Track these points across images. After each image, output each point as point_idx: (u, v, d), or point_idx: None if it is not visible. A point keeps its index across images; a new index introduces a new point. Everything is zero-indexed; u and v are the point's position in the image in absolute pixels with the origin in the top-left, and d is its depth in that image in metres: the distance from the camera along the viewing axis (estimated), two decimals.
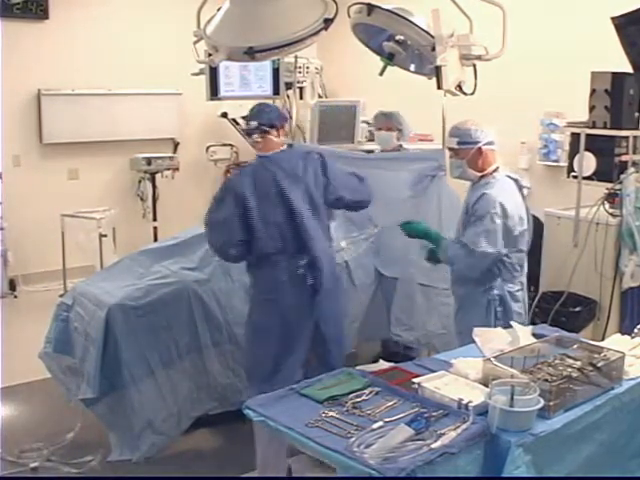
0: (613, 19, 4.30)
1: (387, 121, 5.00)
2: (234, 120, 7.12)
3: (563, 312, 4.19)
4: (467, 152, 3.39)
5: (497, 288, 3.38)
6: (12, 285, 6.48)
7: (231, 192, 3.40)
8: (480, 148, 3.37)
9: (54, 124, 6.63)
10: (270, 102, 3.75)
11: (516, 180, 3.48)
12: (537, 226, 4.72)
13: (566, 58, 5.38)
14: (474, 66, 3.71)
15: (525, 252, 3.44)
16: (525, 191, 3.50)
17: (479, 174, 3.42)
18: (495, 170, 3.44)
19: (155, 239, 6.63)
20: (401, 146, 5.04)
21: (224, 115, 7.00)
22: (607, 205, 4.29)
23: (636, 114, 4.35)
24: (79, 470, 3.55)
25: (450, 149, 3.49)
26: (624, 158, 4.33)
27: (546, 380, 2.39)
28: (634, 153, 4.34)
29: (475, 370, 2.55)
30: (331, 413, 2.35)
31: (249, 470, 3.59)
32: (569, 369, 2.49)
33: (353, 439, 2.15)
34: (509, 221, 3.27)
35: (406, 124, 5.02)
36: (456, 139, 3.43)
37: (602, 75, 4.35)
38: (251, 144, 3.52)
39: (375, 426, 2.22)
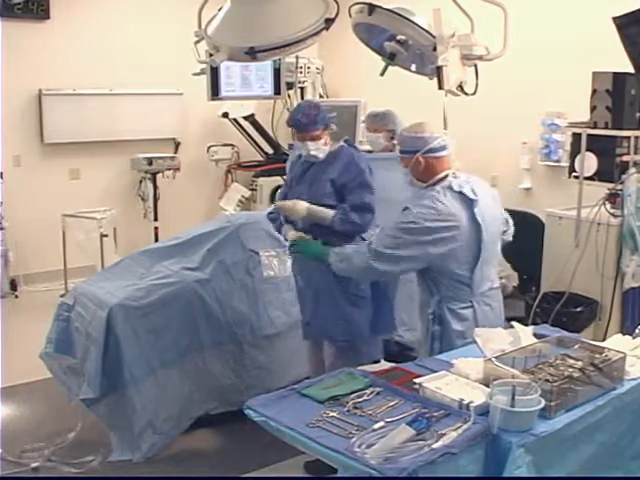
0: (614, 19, 4.30)
1: (373, 123, 5.00)
2: (235, 120, 7.12)
3: (564, 312, 4.18)
4: (408, 160, 3.17)
5: (432, 306, 3.16)
6: (13, 285, 6.47)
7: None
8: (418, 157, 3.13)
9: (55, 124, 6.63)
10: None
11: (460, 193, 3.09)
12: (538, 226, 4.73)
13: (567, 58, 5.39)
14: (475, 66, 3.71)
15: (474, 268, 3.09)
16: (476, 202, 3.10)
17: (424, 184, 3.16)
18: (442, 179, 3.13)
19: (156, 239, 6.62)
20: (394, 146, 5.02)
21: (225, 115, 7.00)
22: (608, 205, 4.29)
23: (637, 114, 4.35)
24: (80, 470, 3.55)
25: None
26: (625, 158, 4.33)
27: (547, 380, 2.39)
28: (635, 153, 4.34)
29: (476, 370, 2.55)
30: (332, 413, 2.35)
31: (250, 470, 3.60)
32: (570, 369, 2.49)
33: (354, 439, 2.15)
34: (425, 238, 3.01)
35: (398, 123, 4.98)
36: (398, 147, 3.27)
37: (603, 75, 4.35)
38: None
39: (376, 426, 2.22)
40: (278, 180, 6.35)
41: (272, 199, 6.05)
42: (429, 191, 3.11)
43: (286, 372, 4.12)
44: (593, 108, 4.41)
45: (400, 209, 4.42)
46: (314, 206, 3.54)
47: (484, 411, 2.28)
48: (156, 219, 6.89)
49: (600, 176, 4.40)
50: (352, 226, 3.55)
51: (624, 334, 3.04)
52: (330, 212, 3.53)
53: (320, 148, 3.57)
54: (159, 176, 6.91)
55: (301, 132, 3.55)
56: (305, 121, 3.51)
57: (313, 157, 3.58)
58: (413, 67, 4.00)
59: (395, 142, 4.98)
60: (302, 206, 3.53)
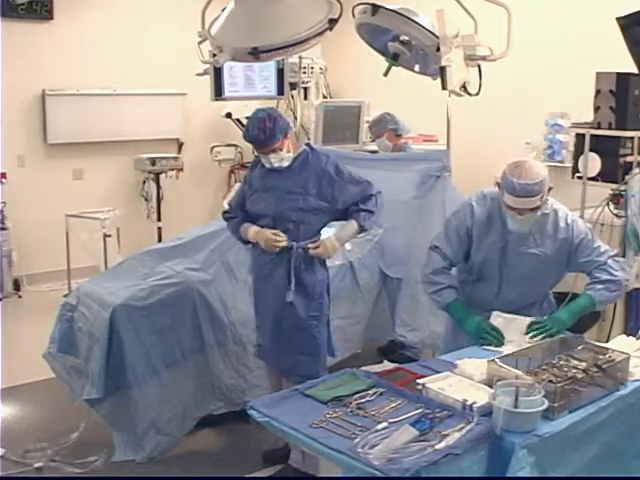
0: (618, 19, 4.29)
1: (373, 130, 5.08)
2: (238, 120, 7.12)
3: None
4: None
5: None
6: (16, 285, 6.47)
7: None
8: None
9: (59, 124, 6.64)
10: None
11: None
12: None
13: (571, 58, 5.38)
14: (479, 66, 3.71)
15: None
16: None
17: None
18: None
19: (159, 239, 6.63)
20: (406, 143, 5.03)
21: (228, 115, 7.00)
22: (612, 206, 4.29)
23: None
24: (83, 470, 3.54)
25: None
26: (629, 159, 4.33)
27: (551, 381, 2.39)
28: (639, 154, 4.33)
29: (479, 371, 2.56)
30: (335, 414, 2.35)
31: (254, 470, 3.60)
32: (574, 370, 2.49)
33: (357, 440, 2.15)
34: None
35: (398, 120, 5.02)
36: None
37: (607, 75, 4.35)
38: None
39: (379, 427, 2.22)
40: None
41: None
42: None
43: None
44: (597, 108, 4.41)
45: (403, 210, 4.44)
46: (339, 234, 3.43)
47: (487, 412, 2.28)
48: (159, 219, 6.90)
49: (604, 177, 4.40)
50: (376, 212, 3.42)
51: (628, 335, 3.05)
52: (352, 224, 3.41)
53: (284, 158, 3.33)
54: (162, 176, 6.93)
55: (261, 148, 3.33)
56: (262, 137, 3.26)
57: (278, 167, 3.36)
58: (416, 67, 4.00)
59: (404, 140, 5.00)
60: (333, 243, 3.40)
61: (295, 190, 3.35)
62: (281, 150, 3.32)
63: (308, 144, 3.54)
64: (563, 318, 3.06)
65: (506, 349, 2.85)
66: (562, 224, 3.11)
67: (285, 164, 3.36)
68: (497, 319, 3.05)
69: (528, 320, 3.02)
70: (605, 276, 3.08)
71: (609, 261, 3.09)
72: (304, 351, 3.43)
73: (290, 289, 3.36)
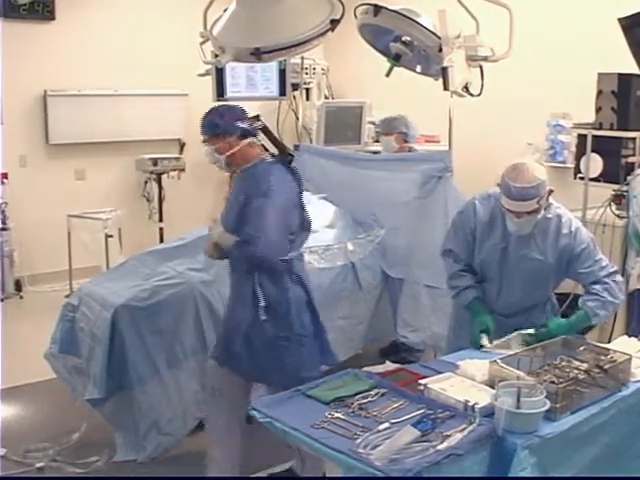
0: (620, 20, 4.29)
1: (383, 127, 5.09)
2: None
3: (569, 314, 4.16)
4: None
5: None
6: (18, 285, 6.48)
7: None
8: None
9: (60, 125, 6.64)
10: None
11: None
12: None
13: (573, 59, 5.38)
14: (481, 67, 3.71)
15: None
16: None
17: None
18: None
19: (161, 240, 6.63)
20: (410, 149, 5.04)
21: None
22: (614, 206, 4.29)
23: None
24: (85, 470, 3.55)
25: None
26: (631, 159, 4.33)
27: (553, 382, 2.39)
28: None
29: (481, 372, 2.56)
30: (337, 414, 2.35)
31: (255, 471, 3.60)
32: (576, 371, 2.49)
33: (359, 440, 2.15)
34: None
35: (411, 126, 5.03)
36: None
37: (609, 76, 4.35)
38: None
39: (381, 427, 2.22)
40: None
41: None
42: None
43: None
44: (598, 109, 4.41)
45: (405, 210, 4.44)
46: (224, 235, 3.22)
47: (489, 413, 2.28)
48: (161, 220, 6.90)
49: (605, 177, 4.40)
50: (246, 258, 3.14)
51: (629, 336, 3.04)
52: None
53: (210, 154, 3.38)
54: (164, 177, 6.93)
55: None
56: (200, 124, 3.28)
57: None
58: (418, 68, 4.00)
59: (410, 145, 5.03)
60: (220, 233, 3.23)
61: (232, 199, 3.31)
62: (209, 145, 3.35)
63: (276, 155, 3.30)
64: (565, 327, 3.04)
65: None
66: (565, 230, 3.08)
67: (208, 158, 3.42)
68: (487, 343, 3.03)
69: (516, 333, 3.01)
70: (608, 297, 3.06)
71: (611, 283, 3.06)
72: (275, 368, 3.20)
73: (260, 307, 3.13)
